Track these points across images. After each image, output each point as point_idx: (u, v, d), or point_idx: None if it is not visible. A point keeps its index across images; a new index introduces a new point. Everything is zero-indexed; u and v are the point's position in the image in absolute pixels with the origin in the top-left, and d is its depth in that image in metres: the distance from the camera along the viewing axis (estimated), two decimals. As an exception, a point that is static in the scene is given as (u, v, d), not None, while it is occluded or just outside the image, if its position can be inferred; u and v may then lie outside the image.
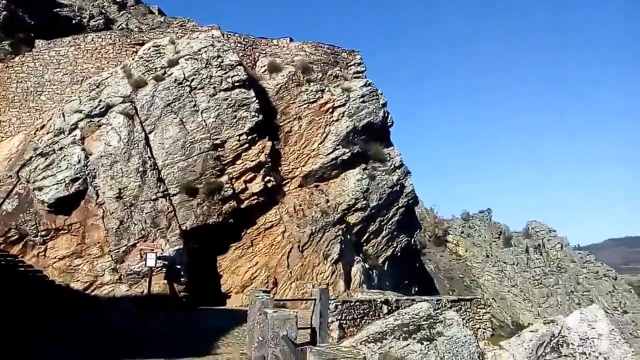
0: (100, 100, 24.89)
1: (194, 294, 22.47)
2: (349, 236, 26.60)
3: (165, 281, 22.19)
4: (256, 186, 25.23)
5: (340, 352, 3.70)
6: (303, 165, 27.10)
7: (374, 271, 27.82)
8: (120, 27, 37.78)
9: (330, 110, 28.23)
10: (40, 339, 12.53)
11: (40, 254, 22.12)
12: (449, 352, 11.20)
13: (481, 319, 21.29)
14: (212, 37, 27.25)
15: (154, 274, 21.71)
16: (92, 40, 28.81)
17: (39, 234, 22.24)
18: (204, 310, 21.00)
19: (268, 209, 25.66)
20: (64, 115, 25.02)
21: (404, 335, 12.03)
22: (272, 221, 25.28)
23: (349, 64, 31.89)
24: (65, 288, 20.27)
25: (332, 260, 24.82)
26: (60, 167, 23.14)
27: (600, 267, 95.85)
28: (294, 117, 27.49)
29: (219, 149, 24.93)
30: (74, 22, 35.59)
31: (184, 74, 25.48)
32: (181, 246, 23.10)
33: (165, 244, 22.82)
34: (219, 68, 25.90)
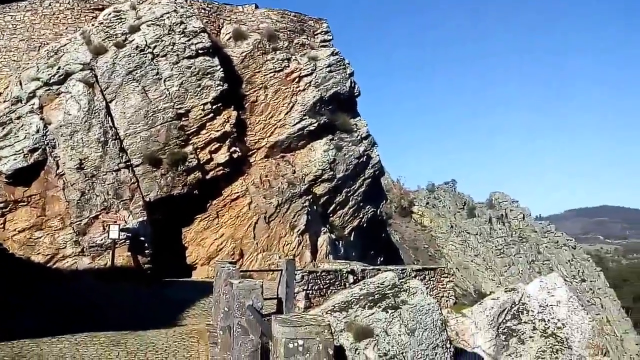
0: (59, 68, 23.99)
1: (159, 266, 22.18)
2: (315, 207, 26.56)
3: (129, 253, 21.81)
4: (221, 157, 24.86)
5: (304, 320, 3.58)
6: (269, 136, 26.80)
7: (341, 242, 27.94)
8: (79, -9, 36.34)
9: (297, 79, 27.85)
10: (3, 312, 12.17)
11: (-2, 227, 21.47)
12: (413, 320, 11.27)
13: (445, 288, 21.63)
14: (175, 3, 26.46)
15: (117, 246, 21.30)
16: (50, 4, 27.59)
17: (-3, 206, 21.54)
18: (169, 282, 20.77)
19: (234, 180, 25.35)
20: (21, 84, 24.06)
21: (369, 304, 12.05)
22: (238, 192, 25.01)
23: (315, 33, 31.46)
24: (26, 261, 19.75)
25: (299, 231, 24.78)
26: (18, 137, 22.32)
27: (560, 237, 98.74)
28: (260, 86, 27.04)
29: (183, 119, 24.41)
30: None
31: (145, 41, 24.71)
32: (145, 218, 22.70)
33: (129, 215, 22.38)
34: (182, 35, 25.22)
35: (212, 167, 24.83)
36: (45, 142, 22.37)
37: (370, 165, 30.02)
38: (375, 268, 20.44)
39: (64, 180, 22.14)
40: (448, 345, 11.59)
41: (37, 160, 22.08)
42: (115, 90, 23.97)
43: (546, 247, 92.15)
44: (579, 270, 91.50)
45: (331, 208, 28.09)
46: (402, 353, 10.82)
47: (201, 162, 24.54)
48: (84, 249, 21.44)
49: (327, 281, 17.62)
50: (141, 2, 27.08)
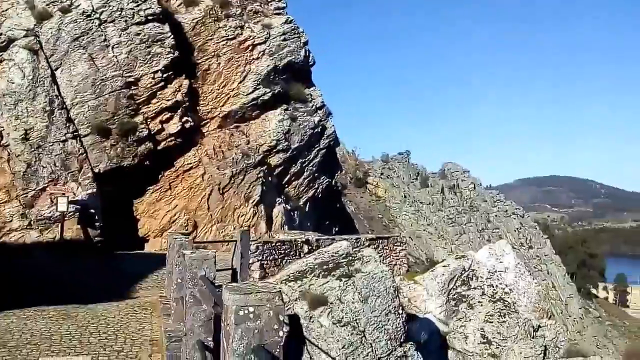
0: (1, 34, 22.83)
1: (110, 239, 21.75)
2: (270, 178, 26.45)
3: (79, 226, 21.29)
4: (173, 127, 24.35)
5: (255, 287, 3.54)
6: (222, 105, 26.34)
7: (296, 212, 27.98)
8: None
9: (250, 47, 27.34)
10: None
11: (-62, 200, 20.58)
12: (366, 288, 11.42)
13: (398, 256, 22.02)
14: (123, -33, 25.41)
15: (66, 219, 20.76)
16: (-11, -33, 26.11)
17: (-64, 178, 20.60)
18: (121, 255, 20.44)
19: (186, 150, 24.92)
20: (-41, 50, 22.85)
21: (323, 273, 12.14)
22: (191, 163, 24.62)
23: (269, 0, 30.87)
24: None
25: (254, 202, 24.66)
26: (-42, 106, 21.29)
27: (509, 206, 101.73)
28: (212, 54, 26.43)
29: (133, 87, 23.73)
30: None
31: (92, 6, 23.73)
32: (94, 190, 22.15)
33: (77, 187, 21.79)
34: (131, 0, 24.32)
35: (163, 137, 24.32)
36: (-13, 112, 21.42)
37: (325, 135, 30.00)
38: (329, 238, 20.60)
39: (8, 152, 21.31)
40: (400, 312, 11.81)
41: (-21, 130, 21.16)
42: (61, 57, 23.05)
43: (496, 215, 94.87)
44: (526, 238, 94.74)
45: (286, 179, 28.03)
46: (356, 320, 10.97)
47: (152, 132, 23.99)
48: (32, 222, 20.80)
49: (282, 251, 17.67)
50: (86, -35, 25.93)
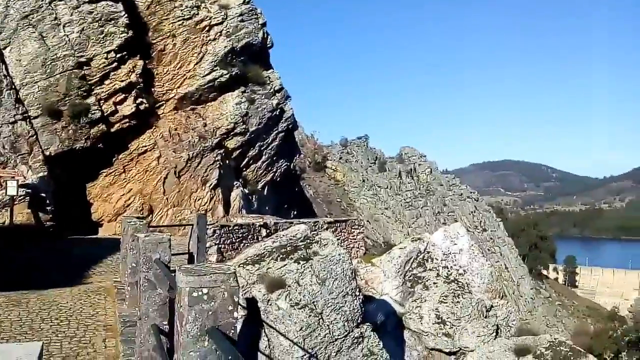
0: (-58, 10, 21.82)
1: (63, 224, 21.20)
2: (227, 161, 26.19)
3: (29, 211, 20.63)
4: (127, 108, 23.79)
5: (209, 269, 3.49)
6: (178, 87, 25.85)
7: (254, 196, 27.86)
8: None
9: (207, 28, 26.82)
10: None
11: None
12: (324, 270, 11.49)
13: (355, 239, 22.23)
14: (73, -58, 24.51)
15: (16, 203, 20.07)
16: None
17: None
18: (74, 240, 19.95)
19: (141, 133, 24.41)
20: None
21: (281, 256, 12.14)
22: (145, 146, 24.14)
23: (226, -21, 30.31)
24: None
25: (211, 186, 24.40)
26: None
27: (465, 190, 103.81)
28: (168, 34, 25.84)
29: (85, 68, 23.05)
30: None
31: (41, -17, 22.86)
32: (45, 173, 21.53)
33: (28, 170, 21.12)
34: (82, -23, 23.53)
35: (117, 119, 23.74)
36: None
37: (283, 119, 29.84)
38: (288, 221, 20.62)
39: (-48, 134, 20.47)
40: (357, 293, 11.93)
41: None
42: (9, 36, 22.19)
43: (451, 199, 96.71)
44: (480, 221, 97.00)
45: (244, 162, 27.81)
46: (314, 302, 11.03)
47: (105, 114, 23.38)
48: (-21, 207, 20.07)
49: (240, 235, 17.60)
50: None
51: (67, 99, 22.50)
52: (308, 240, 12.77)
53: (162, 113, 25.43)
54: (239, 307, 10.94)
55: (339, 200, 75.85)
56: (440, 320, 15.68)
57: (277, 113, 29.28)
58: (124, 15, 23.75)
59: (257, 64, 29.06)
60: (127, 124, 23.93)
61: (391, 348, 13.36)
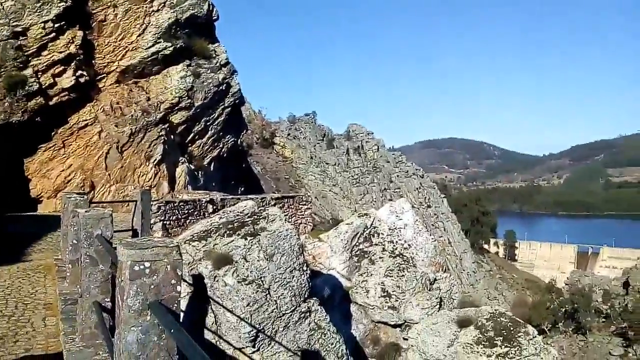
0: None
1: (-1, 200, 20.32)
2: (172, 136, 25.64)
3: (-39, 187, 19.70)
4: (66, 81, 22.83)
5: (151, 242, 3.38)
6: (120, 59, 24.96)
7: (200, 172, 27.44)
8: None
9: (150, -2, 25.92)
10: None
11: None
12: (272, 246, 11.46)
13: (303, 215, 22.30)
14: None
15: (-55, 179, 19.11)
16: None
17: None
18: (11, 217, 19.17)
19: (81, 106, 23.50)
20: None
21: (228, 232, 12.03)
22: (86, 120, 23.29)
23: (169, -52, 29.30)
24: None
25: (155, 162, 23.85)
26: None
27: (410, 167, 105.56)
28: (108, 4, 24.79)
29: (21, 38, 21.89)
30: None
31: (-31, -54, 21.50)
32: (-22, 147, 20.48)
33: (-42, 145, 20.06)
34: (16, -59, 22.24)
35: (56, 92, 22.76)
36: None
37: (230, 93, 29.35)
38: (235, 197, 20.46)
39: None
40: (305, 268, 11.98)
41: None
42: None
43: (397, 176, 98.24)
44: (425, 197, 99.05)
45: (189, 137, 27.28)
46: (261, 277, 11.00)
47: (43, 86, 22.37)
48: None
49: (186, 211, 17.35)
50: None
51: (2, 70, 21.37)
52: (255, 216, 12.69)
53: (104, 86, 24.55)
54: (185, 283, 10.79)
55: (287, 176, 75.80)
56: (385, 294, 15.97)
57: (224, 88, 28.76)
58: (62, -18, 22.66)
59: (203, 37, 28.35)
60: (67, 97, 22.99)
61: (338, 322, 13.54)
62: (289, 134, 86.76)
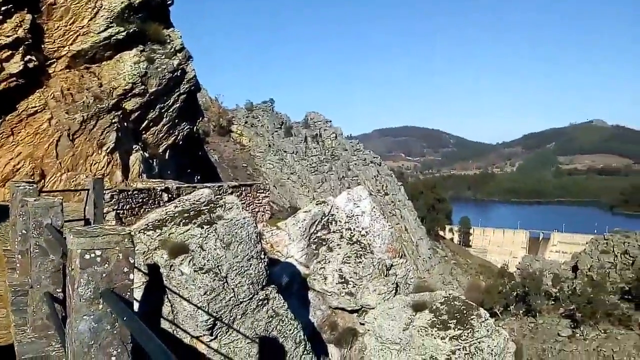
0: None
1: (-59, 190, 19.53)
2: (126, 124, 25.06)
3: None
4: (14, 66, 21.96)
5: (102, 230, 3.32)
6: (71, 44, 24.16)
7: (155, 160, 26.96)
8: None
9: (102, -18, 25.16)
10: None
11: None
12: (229, 234, 11.39)
13: (260, 203, 22.23)
14: None
15: None
16: None
17: None
18: (-46, 208, 18.44)
19: (30, 92, 22.65)
20: None
21: (184, 221, 11.90)
22: (35, 107, 22.50)
23: None
24: None
25: (108, 150, 23.29)
26: None
27: (368, 155, 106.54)
28: (58, -13, 24.01)
29: (-37, 21, 20.97)
30: None
31: None
32: None
33: None
34: None
35: (3, 77, 21.86)
36: None
37: (185, 80, 28.82)
38: (191, 186, 20.22)
39: None
40: (262, 256, 11.97)
41: None
42: None
43: (355, 164, 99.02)
44: (382, 185, 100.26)
45: (144, 125, 26.71)
46: (218, 266, 10.95)
47: (-11, 71, 21.51)
48: None
49: (140, 200, 17.06)
50: None
51: (-57, 54, 20.46)
52: (212, 205, 12.59)
53: (54, 72, 23.74)
54: (140, 273, 10.65)
55: (244, 165, 75.33)
56: (343, 280, 16.13)
57: (179, 74, 28.21)
58: (7, -37, 21.76)
59: (157, 21, 27.71)
60: (15, 83, 22.14)
61: (296, 308, 13.60)
62: (246, 122, 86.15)
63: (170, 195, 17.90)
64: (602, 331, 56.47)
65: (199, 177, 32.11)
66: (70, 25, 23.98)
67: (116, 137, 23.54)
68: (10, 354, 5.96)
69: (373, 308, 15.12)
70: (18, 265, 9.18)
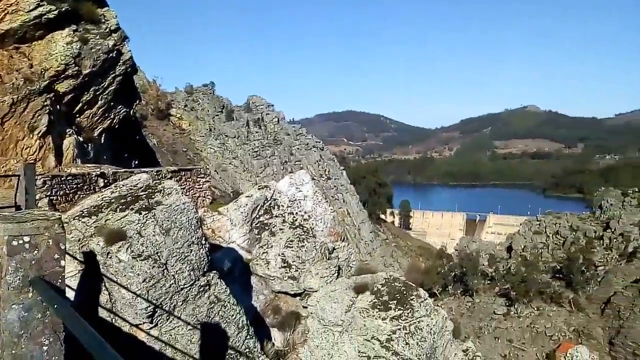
0: None
1: None
2: (59, 106, 24.04)
3: None
4: None
5: (31, 215, 3.16)
6: (-2, 23, 22.93)
7: (90, 144, 26.04)
8: None
9: (31, -42, 23.93)
10: None
11: None
12: (168, 220, 11.17)
13: (201, 188, 21.92)
14: None
15: None
16: None
17: None
18: None
19: (-47, 73, 21.45)
20: None
21: (121, 207, 11.57)
22: (-41, 88, 21.31)
23: None
24: None
25: (40, 134, 22.29)
26: None
27: (310, 140, 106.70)
28: (-18, -39, 22.67)
29: None
30: None
31: None
32: None
33: None
34: None
35: None
36: None
37: (121, 61, 27.83)
38: (128, 171, 19.69)
39: None
40: (203, 242, 11.81)
41: None
42: None
43: (298, 149, 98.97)
44: (325, 169, 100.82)
45: (78, 108, 25.69)
46: (157, 253, 10.73)
47: None
48: None
49: (74, 186, 16.49)
50: None
51: None
52: (150, 190, 12.29)
53: (-21, 51, 22.51)
54: (76, 261, 10.31)
55: (184, 149, 73.94)
56: (286, 264, 16.14)
57: (114, 55, 27.22)
58: None
59: (90, 0, 26.60)
60: None
61: (238, 294, 13.53)
62: (186, 105, 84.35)
63: (106, 181, 17.37)
64: (535, 308, 59.14)
65: (136, 162, 31.29)
66: (-4, 2, 22.72)
67: (48, 120, 22.55)
68: None
69: (316, 291, 15.21)
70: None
